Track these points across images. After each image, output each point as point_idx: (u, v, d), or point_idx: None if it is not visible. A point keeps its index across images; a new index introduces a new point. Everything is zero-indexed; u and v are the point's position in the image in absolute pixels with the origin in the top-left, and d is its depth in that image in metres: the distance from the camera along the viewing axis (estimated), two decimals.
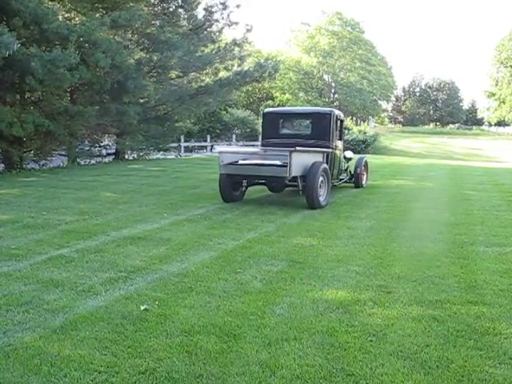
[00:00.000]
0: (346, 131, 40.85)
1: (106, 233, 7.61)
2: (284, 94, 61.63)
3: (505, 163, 27.73)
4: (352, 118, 71.86)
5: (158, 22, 19.07)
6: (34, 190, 12.01)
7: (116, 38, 16.86)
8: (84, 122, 17.53)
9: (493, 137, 65.44)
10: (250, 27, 21.83)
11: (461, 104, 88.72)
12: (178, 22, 20.27)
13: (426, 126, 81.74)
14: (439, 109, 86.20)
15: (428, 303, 4.68)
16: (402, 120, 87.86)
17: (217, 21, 21.29)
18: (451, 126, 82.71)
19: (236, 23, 21.43)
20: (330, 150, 11.01)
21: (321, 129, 11.22)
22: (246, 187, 10.71)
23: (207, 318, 4.37)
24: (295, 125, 12.93)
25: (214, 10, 21.15)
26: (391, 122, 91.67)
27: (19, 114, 15.22)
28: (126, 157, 22.90)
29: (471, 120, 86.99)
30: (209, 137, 32.18)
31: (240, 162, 10.02)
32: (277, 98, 55.51)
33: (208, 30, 21.34)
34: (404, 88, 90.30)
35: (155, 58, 17.76)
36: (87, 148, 19.99)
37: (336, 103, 73.52)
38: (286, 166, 9.18)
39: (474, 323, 4.24)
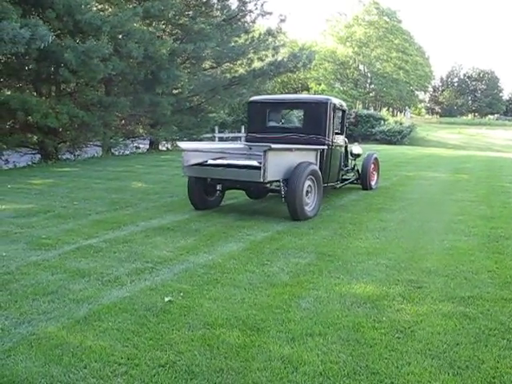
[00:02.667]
0: (382, 122, 40.38)
1: (135, 223, 7.62)
2: (319, 84, 61.16)
3: None
4: (388, 109, 70.98)
5: (190, 13, 19.00)
6: (68, 181, 12.14)
7: (149, 28, 16.84)
8: (118, 112, 17.65)
9: None
10: (283, 17, 21.68)
11: (500, 94, 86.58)
12: (211, 12, 20.21)
13: (464, 117, 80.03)
14: (478, 99, 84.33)
15: (459, 299, 4.52)
16: (439, 111, 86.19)
17: (250, 11, 21.20)
18: (490, 116, 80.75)
19: (270, 13, 21.29)
20: (326, 147, 9.06)
21: (315, 121, 9.23)
22: (222, 191, 9.01)
23: (231, 310, 4.29)
24: (285, 116, 10.77)
25: (247, 0, 21.03)
26: (428, 112, 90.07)
27: (54, 105, 15.40)
28: (160, 147, 23.02)
29: (511, 111, 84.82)
30: (243, 128, 32.12)
31: (210, 161, 8.35)
32: (312, 88, 55.07)
33: (242, 20, 21.23)
34: (442, 78, 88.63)
35: (188, 49, 17.72)
36: (121, 139, 20.14)
37: (372, 94, 72.71)
38: (261, 169, 7.42)
39: (507, 321, 4.06)
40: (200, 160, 8.32)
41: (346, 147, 10.65)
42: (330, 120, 9.17)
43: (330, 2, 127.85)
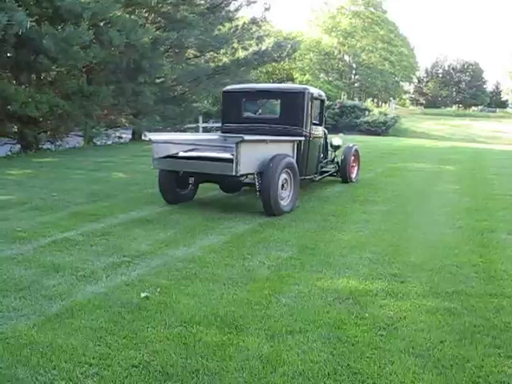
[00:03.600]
0: (367, 112, 40.33)
1: (114, 215, 7.44)
2: (304, 74, 60.95)
3: None
4: (373, 100, 71.01)
5: (173, 0, 18.70)
6: (48, 171, 11.90)
7: (131, 16, 16.52)
8: (99, 102, 17.33)
9: None
10: (268, 6, 21.47)
11: (485, 86, 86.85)
12: (194, 0, 19.90)
13: (449, 108, 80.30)
14: (462, 91, 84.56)
15: (444, 295, 4.41)
16: (424, 102, 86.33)
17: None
18: (474, 108, 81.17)
19: (254, 1, 21.02)
20: (303, 138, 8.70)
21: (292, 111, 8.84)
22: (195, 185, 8.68)
23: (209, 307, 4.15)
24: (261, 106, 10.14)
25: None
26: (413, 104, 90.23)
27: (34, 93, 15.06)
28: (143, 137, 22.70)
29: (495, 102, 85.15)
30: None
31: (181, 154, 8.07)
32: (296, 78, 54.85)
33: (225, 8, 20.95)
34: (427, 69, 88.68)
35: (171, 37, 17.43)
36: (103, 128, 19.81)
37: (357, 84, 72.63)
38: (233, 162, 7.06)
39: (492, 318, 3.97)
40: (171, 152, 8.02)
41: (325, 138, 10.31)
42: (307, 110, 8.81)
43: None
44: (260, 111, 9.96)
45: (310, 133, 8.94)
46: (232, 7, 21.56)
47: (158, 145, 8.03)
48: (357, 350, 3.44)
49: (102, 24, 15.51)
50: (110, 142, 20.14)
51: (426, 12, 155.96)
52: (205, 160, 7.72)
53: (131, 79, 18.09)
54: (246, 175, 7.66)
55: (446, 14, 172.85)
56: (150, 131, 22.16)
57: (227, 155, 7.42)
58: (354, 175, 10.97)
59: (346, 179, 10.63)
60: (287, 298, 4.34)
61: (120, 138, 21.40)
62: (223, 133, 9.36)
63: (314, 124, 9.21)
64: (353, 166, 10.94)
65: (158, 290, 4.53)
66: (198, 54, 21.58)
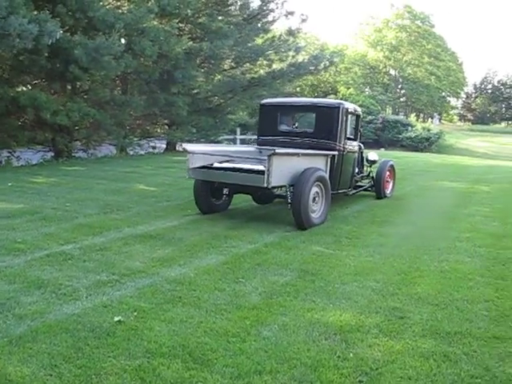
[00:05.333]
0: (409, 127, 39.47)
1: (120, 229, 7.22)
2: (348, 88, 60.28)
3: None
4: (418, 115, 69.67)
5: (209, 11, 18.61)
6: (70, 180, 11.84)
7: (165, 26, 16.48)
8: (132, 111, 17.35)
9: None
10: (305, 17, 21.07)
11: None
12: (230, 11, 19.77)
13: (497, 125, 78.09)
14: None
15: (444, 335, 3.95)
16: (471, 118, 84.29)
17: (272, 10, 20.65)
18: None
19: (292, 13, 20.70)
20: (336, 153, 8.75)
21: (326, 126, 8.96)
22: (229, 195, 8.82)
23: (181, 336, 3.83)
24: (296, 120, 10.34)
25: None
26: (460, 119, 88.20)
27: (65, 102, 15.14)
28: (177, 148, 22.68)
29: None
30: None
31: (216, 165, 8.27)
32: (340, 92, 54.29)
33: (262, 20, 20.74)
34: (475, 85, 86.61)
35: (205, 47, 17.31)
36: (137, 138, 19.84)
37: (402, 99, 71.50)
38: (265, 174, 7.18)
39: (494, 367, 3.48)
40: (206, 163, 8.18)
41: (360, 153, 10.41)
42: (341, 125, 8.90)
43: (363, 4, 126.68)
44: (296, 125, 10.01)
45: (343, 147, 9.01)
46: (270, 18, 21.32)
47: (194, 155, 8.16)
48: None
49: (135, 34, 15.49)
50: (142, 152, 20.13)
51: (476, 26, 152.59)
52: (238, 171, 7.86)
53: (164, 89, 18.07)
54: (279, 187, 7.78)
55: (497, 29, 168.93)
56: (183, 142, 22.30)
57: (260, 167, 7.51)
58: (388, 191, 10.93)
59: (380, 194, 10.60)
60: (269, 330, 3.97)
61: (154, 148, 21.41)
62: (259, 145, 9.56)
63: (349, 139, 9.25)
64: (387, 182, 10.91)
65: (135, 313, 4.24)
66: (235, 66, 21.40)
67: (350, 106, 9.44)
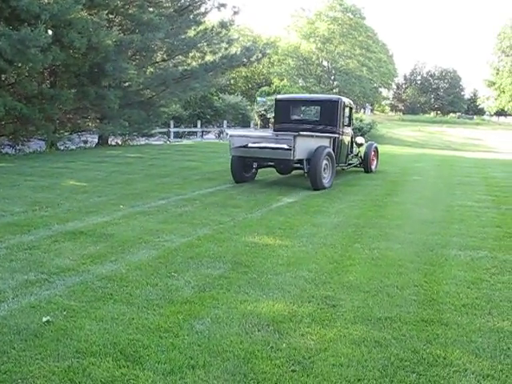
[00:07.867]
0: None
1: (49, 226, 6.98)
2: (282, 79, 60.69)
3: (502, 154, 26.97)
4: None
5: (139, 2, 18.23)
6: None
7: (94, 18, 16.02)
8: (61, 105, 16.82)
9: (493, 127, 64.65)
10: (237, 9, 21.02)
11: (462, 93, 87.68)
12: (161, 2, 19.45)
13: (427, 115, 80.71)
14: (440, 97, 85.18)
15: (375, 321, 4.03)
16: (402, 108, 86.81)
17: (203, 2, 20.47)
18: (452, 115, 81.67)
19: (224, 5, 20.60)
20: (337, 136, 11.60)
21: (329, 115, 11.83)
22: (257, 169, 11.25)
23: (113, 334, 3.74)
24: (305, 111, 13.50)
25: None
26: (392, 110, 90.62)
27: None
28: (110, 142, 22.21)
29: (472, 109, 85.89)
30: (199, 122, 31.44)
31: (250, 145, 10.66)
32: (274, 83, 54.57)
33: (194, 11, 20.52)
34: (405, 76, 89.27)
35: (136, 40, 16.95)
36: (67, 133, 19.27)
37: (335, 90, 72.69)
38: (291, 150, 9.86)
39: (422, 349, 3.58)
40: (243, 143, 10.71)
41: (352, 137, 13.04)
42: (340, 115, 11.87)
43: None
44: (302, 115, 13.02)
45: (342, 132, 11.98)
46: (202, 10, 21.11)
47: (233, 138, 10.86)
48: None
49: (62, 25, 14.99)
50: (73, 147, 19.61)
51: (405, 19, 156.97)
52: (269, 149, 10.40)
53: (95, 82, 17.63)
54: (298, 161, 10.31)
55: (425, 22, 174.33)
56: (115, 136, 21.86)
57: (284, 145, 10.10)
58: (373, 167, 13.81)
59: (367, 170, 13.46)
60: (202, 324, 3.94)
61: (85, 142, 20.89)
62: (275, 131, 12.08)
63: (344, 125, 12.21)
64: (373, 160, 13.79)
65: (65, 313, 4.11)
66: (167, 58, 21.12)
67: (346, 101, 12.49)
